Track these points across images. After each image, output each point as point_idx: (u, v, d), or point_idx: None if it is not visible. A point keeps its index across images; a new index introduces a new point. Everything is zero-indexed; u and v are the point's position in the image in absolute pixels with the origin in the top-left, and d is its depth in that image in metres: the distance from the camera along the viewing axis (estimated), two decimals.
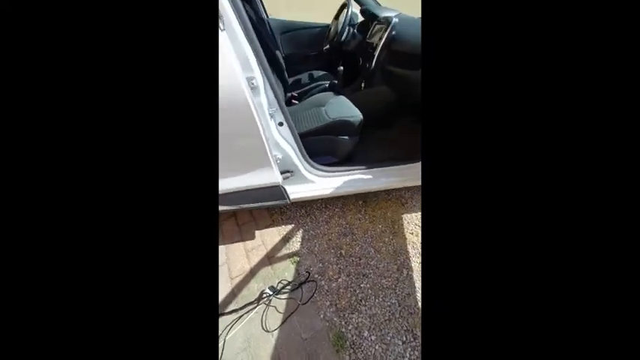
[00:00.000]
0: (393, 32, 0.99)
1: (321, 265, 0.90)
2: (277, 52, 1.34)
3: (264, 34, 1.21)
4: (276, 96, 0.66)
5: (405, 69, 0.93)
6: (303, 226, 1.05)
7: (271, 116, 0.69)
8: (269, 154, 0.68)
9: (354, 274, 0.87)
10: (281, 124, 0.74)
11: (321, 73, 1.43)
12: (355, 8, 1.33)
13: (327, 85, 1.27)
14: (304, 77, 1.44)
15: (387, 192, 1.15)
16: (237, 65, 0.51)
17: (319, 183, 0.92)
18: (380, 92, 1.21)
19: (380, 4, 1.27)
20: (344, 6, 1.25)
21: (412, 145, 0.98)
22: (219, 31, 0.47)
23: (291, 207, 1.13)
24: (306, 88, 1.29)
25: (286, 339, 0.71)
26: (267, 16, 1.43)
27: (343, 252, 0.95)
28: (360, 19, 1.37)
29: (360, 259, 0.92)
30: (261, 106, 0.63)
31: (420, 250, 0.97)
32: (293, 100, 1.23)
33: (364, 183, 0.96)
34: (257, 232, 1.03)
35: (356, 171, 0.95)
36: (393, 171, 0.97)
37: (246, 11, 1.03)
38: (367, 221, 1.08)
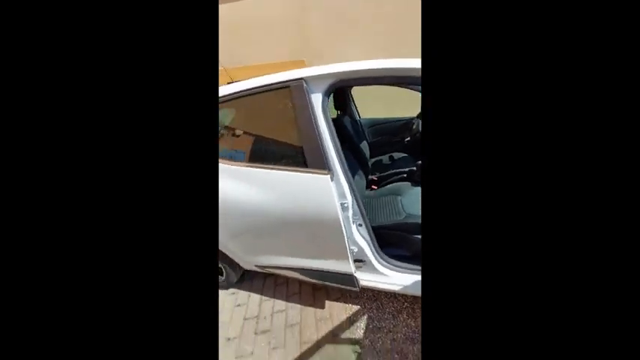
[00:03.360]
0: None
1: None
2: (364, 142, 1.68)
3: (357, 133, 1.59)
4: (360, 211, 0.88)
5: None
6: (369, 312, 1.08)
7: (354, 222, 0.90)
8: (348, 251, 0.87)
9: None
10: (360, 225, 0.93)
11: (401, 155, 1.61)
12: None
13: (405, 175, 1.41)
14: (385, 158, 1.67)
15: None
16: (336, 198, 0.78)
17: (389, 276, 0.98)
18: None
19: None
20: None
21: None
22: (330, 180, 0.76)
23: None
24: (386, 173, 1.48)
25: None
26: (360, 117, 1.86)
27: None
28: None
29: None
30: (347, 218, 0.86)
31: None
32: (372, 186, 1.44)
33: None
34: (327, 303, 1.17)
35: None
36: None
37: (345, 123, 1.43)
38: None
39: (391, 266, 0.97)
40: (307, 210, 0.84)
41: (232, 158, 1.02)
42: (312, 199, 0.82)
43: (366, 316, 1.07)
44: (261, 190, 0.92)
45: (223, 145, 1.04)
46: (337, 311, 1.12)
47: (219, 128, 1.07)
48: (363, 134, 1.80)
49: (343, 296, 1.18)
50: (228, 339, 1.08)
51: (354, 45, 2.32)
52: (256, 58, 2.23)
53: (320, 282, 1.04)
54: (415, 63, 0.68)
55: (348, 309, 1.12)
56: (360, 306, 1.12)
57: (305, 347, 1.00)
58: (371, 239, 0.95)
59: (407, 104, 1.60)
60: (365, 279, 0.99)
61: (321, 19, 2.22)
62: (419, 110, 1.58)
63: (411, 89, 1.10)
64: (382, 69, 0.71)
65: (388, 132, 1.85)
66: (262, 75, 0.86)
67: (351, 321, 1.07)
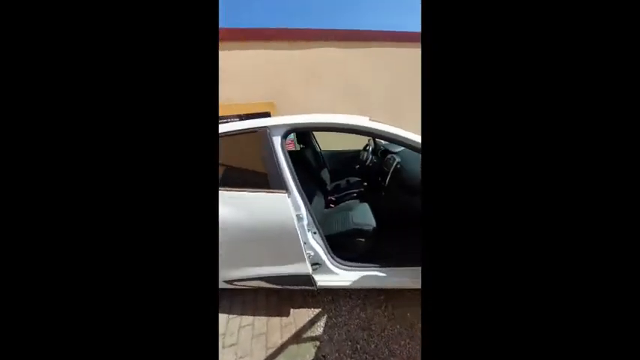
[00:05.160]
0: (398, 166, 1.47)
1: (337, 354, 1.04)
2: (324, 170, 2.05)
3: (318, 162, 1.96)
4: (314, 220, 1.15)
5: (406, 193, 1.31)
6: (328, 312, 1.25)
7: (309, 230, 1.15)
8: (304, 253, 1.10)
9: None
10: (315, 233, 1.18)
11: (355, 179, 2.00)
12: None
13: (355, 195, 1.76)
14: (343, 182, 2.04)
15: (411, 290, 1.26)
16: (292, 211, 1.04)
17: (341, 275, 1.21)
18: (394, 199, 1.58)
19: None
20: (367, 145, 1.94)
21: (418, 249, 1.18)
22: (287, 197, 1.03)
23: (320, 292, 1.39)
24: (342, 194, 1.82)
25: None
26: (320, 149, 2.27)
27: (359, 346, 1.06)
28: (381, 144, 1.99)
29: (374, 358, 1.00)
30: (303, 227, 1.11)
31: None
32: (331, 205, 1.75)
33: (378, 280, 1.18)
34: (292, 311, 1.30)
35: (372, 268, 1.20)
36: (404, 272, 1.16)
37: (306, 155, 1.79)
38: (386, 319, 1.18)
39: (342, 266, 1.21)
40: (270, 222, 1.06)
41: None
42: (273, 212, 1.06)
43: (325, 316, 1.23)
44: (233, 209, 1.13)
45: None
46: (300, 317, 1.26)
47: None
48: (324, 163, 2.19)
49: (306, 303, 1.34)
50: None
51: (319, 93, 3.07)
52: (239, 97, 2.70)
53: (283, 287, 1.20)
54: (343, 119, 1.07)
55: (310, 312, 1.27)
56: (321, 308, 1.29)
57: (270, 351, 1.09)
58: (325, 244, 1.20)
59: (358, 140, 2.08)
60: (321, 280, 1.20)
61: (295, 72, 2.93)
62: (365, 143, 2.06)
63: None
64: (319, 122, 1.08)
65: (345, 161, 2.28)
66: (243, 110, 1.11)
67: (312, 322, 1.22)
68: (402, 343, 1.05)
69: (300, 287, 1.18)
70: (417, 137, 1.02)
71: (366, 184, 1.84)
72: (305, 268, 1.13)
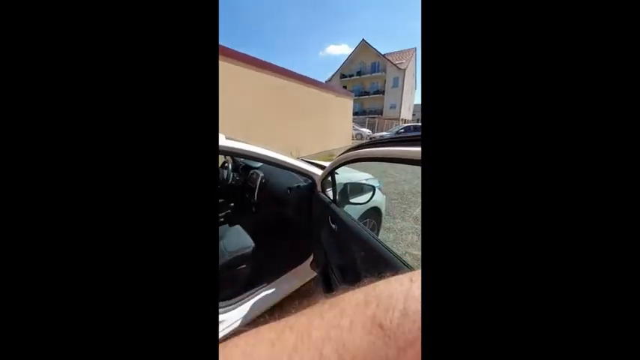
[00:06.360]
0: (263, 180, 1.52)
1: None
2: None
3: None
4: None
5: (276, 205, 1.40)
6: None
7: None
8: None
9: None
10: None
11: (218, 201, 1.74)
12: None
13: (223, 219, 1.54)
14: None
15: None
16: None
17: (228, 320, 1.00)
18: (266, 212, 1.63)
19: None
20: (225, 162, 1.79)
21: (297, 250, 1.33)
22: None
23: None
24: None
25: None
26: None
27: None
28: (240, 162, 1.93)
29: None
30: None
31: None
32: None
33: (270, 298, 1.14)
34: None
35: (260, 289, 1.13)
36: (290, 276, 1.23)
37: None
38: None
39: (225, 308, 1.00)
40: None
41: None
42: None
43: None
44: None
45: None
46: None
47: None
48: None
49: None
50: None
51: None
52: None
53: None
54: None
55: None
56: None
57: None
58: None
59: None
60: None
61: None
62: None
63: None
64: None
65: None
66: None
67: None
68: None
69: None
70: (272, 153, 1.10)
71: (232, 204, 1.67)
72: None
